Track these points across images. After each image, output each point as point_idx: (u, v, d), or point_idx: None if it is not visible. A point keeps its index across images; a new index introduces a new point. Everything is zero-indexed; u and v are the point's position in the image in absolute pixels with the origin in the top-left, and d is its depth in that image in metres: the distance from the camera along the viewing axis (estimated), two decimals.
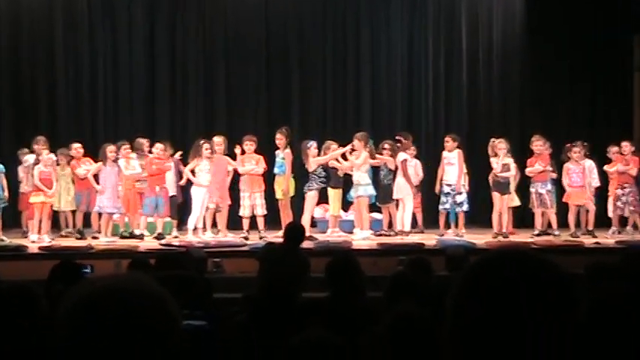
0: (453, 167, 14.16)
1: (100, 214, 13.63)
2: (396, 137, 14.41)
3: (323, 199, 14.10)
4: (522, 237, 13.86)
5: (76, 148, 13.89)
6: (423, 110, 16.75)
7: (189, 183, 13.98)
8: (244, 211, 13.83)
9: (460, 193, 14.11)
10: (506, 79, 16.73)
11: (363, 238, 13.44)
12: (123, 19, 16.35)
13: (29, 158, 13.63)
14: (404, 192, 14.05)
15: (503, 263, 1.72)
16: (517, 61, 16.70)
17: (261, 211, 13.82)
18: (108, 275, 1.78)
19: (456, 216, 14.33)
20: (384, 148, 14.14)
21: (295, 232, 8.77)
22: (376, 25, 16.77)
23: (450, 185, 14.14)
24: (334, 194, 13.97)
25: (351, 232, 13.88)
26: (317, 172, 13.78)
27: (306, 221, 13.28)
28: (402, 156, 14.14)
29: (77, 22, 16.18)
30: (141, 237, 13.49)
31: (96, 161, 13.76)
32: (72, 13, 16.17)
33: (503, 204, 13.95)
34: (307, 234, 13.33)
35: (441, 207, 14.27)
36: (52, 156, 13.59)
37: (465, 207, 14.19)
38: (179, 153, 14.37)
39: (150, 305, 1.70)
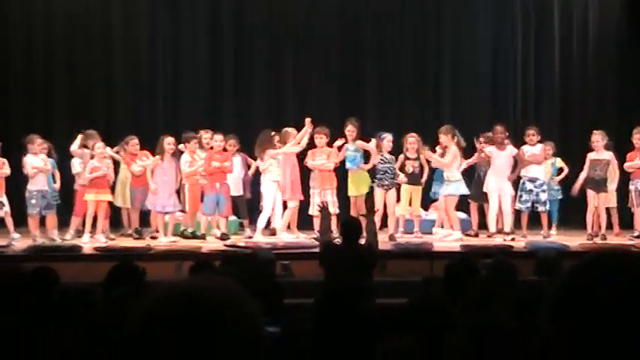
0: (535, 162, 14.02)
1: (159, 213, 13.70)
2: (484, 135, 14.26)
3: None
4: (620, 239, 13.69)
5: (133, 143, 13.94)
6: (510, 100, 16.62)
7: (258, 179, 14.08)
8: (315, 210, 13.83)
9: (544, 191, 13.97)
10: (602, 65, 16.46)
11: (455, 240, 13.38)
12: (185, 4, 16.51)
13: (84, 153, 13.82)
14: (489, 187, 13.93)
15: (604, 268, 1.65)
16: (615, 45, 16.45)
17: (333, 209, 13.73)
18: (185, 278, 1.78)
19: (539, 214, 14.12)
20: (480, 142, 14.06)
21: (349, 227, 8.87)
22: (459, 6, 16.69)
23: (532, 182, 13.97)
24: (414, 191, 13.92)
25: (431, 233, 13.79)
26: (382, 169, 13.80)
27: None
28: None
29: (137, 8, 16.37)
30: (203, 237, 13.55)
31: (154, 155, 13.78)
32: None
33: (600, 202, 13.77)
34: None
35: (522, 205, 13.98)
36: (107, 150, 13.70)
37: (548, 206, 14.01)
38: None
39: (235, 311, 1.70)
